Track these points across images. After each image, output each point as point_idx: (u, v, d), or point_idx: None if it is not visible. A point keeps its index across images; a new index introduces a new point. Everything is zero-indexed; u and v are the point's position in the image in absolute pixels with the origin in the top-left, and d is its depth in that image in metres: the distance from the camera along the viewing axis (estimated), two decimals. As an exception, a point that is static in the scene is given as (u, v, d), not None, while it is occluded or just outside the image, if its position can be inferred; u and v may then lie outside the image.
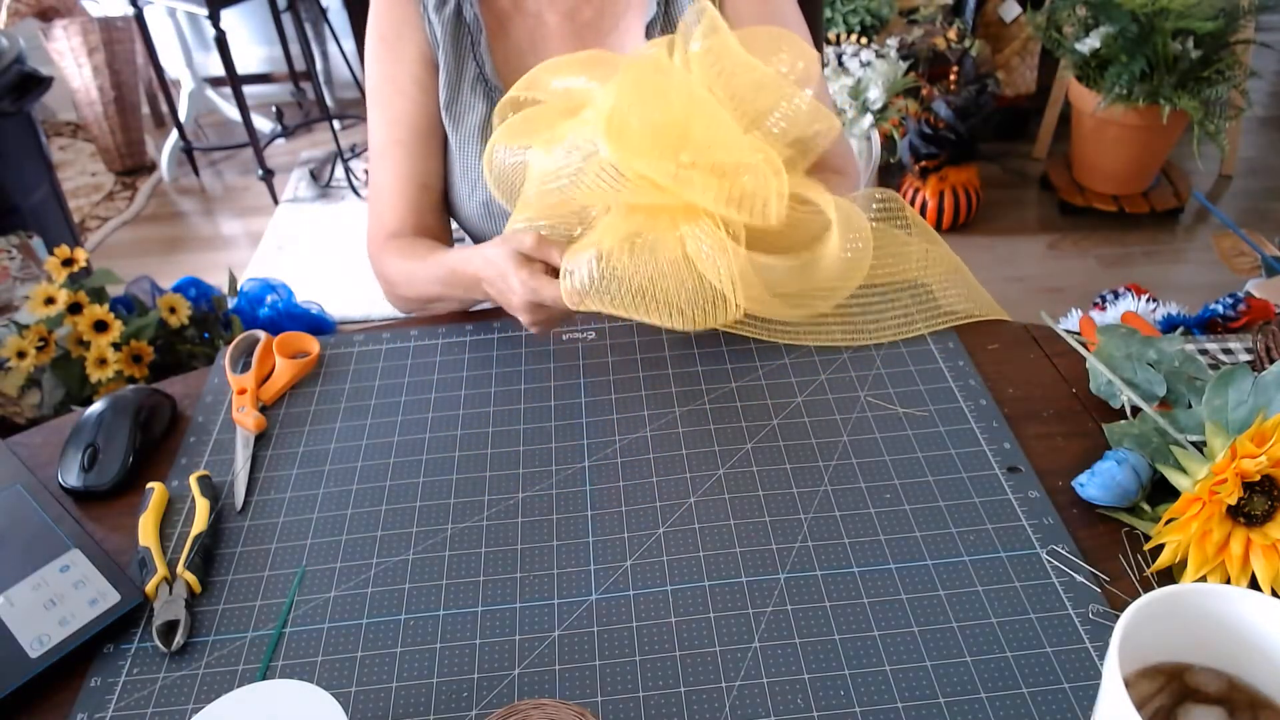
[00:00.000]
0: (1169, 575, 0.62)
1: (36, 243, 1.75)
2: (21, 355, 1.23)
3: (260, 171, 2.76)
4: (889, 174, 2.55)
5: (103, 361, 1.23)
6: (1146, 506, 0.65)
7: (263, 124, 2.91)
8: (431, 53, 0.95)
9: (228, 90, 2.70)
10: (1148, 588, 0.61)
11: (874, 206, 0.84)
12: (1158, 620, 0.46)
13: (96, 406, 0.78)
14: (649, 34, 0.93)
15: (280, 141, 3.04)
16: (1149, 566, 0.62)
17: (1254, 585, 0.59)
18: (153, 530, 0.69)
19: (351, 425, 0.78)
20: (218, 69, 2.72)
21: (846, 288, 0.82)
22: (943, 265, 0.86)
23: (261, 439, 0.78)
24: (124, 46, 2.86)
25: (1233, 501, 0.58)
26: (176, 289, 1.43)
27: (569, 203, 0.76)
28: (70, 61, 2.80)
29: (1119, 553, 0.64)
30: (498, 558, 0.66)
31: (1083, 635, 0.58)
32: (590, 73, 0.79)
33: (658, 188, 0.70)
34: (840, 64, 2.37)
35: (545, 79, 0.81)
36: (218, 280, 1.57)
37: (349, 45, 2.97)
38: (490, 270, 0.78)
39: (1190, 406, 0.70)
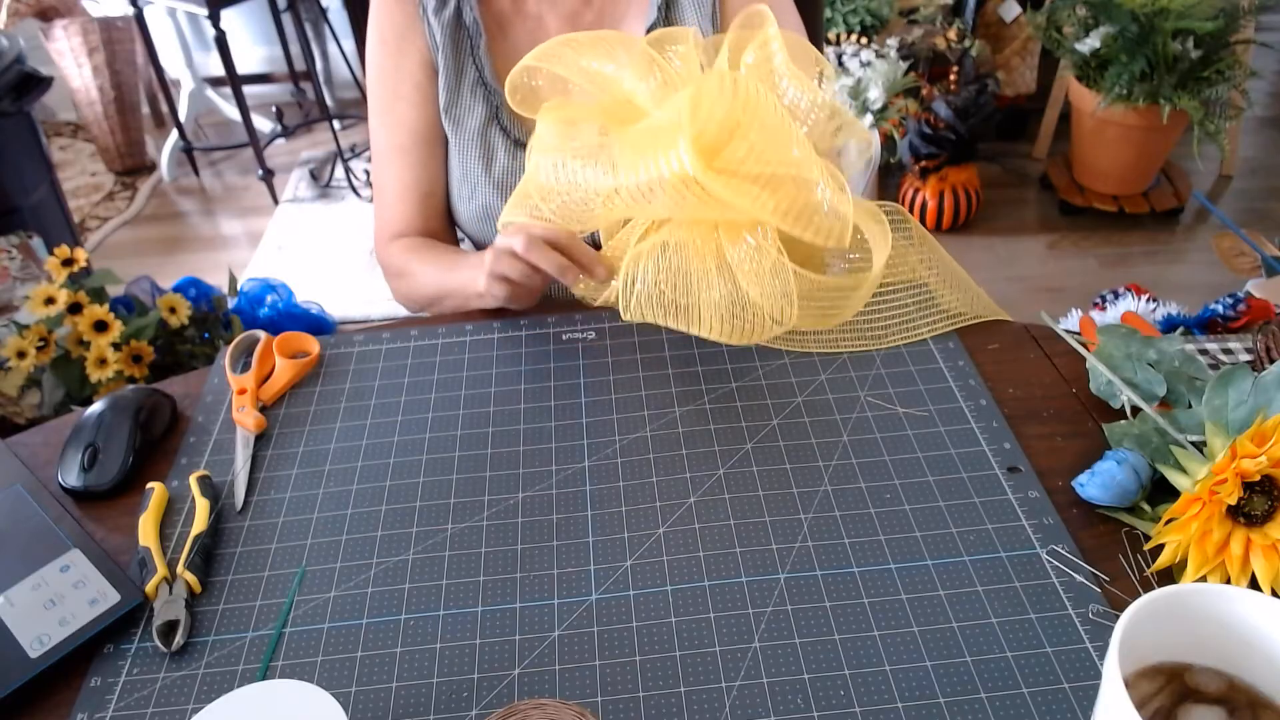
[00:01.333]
0: (1169, 575, 0.62)
1: (36, 243, 1.75)
2: (21, 355, 1.23)
3: (260, 171, 2.76)
4: (889, 174, 2.55)
5: (103, 361, 1.23)
6: (1146, 506, 0.65)
7: (263, 124, 2.91)
8: (431, 56, 0.95)
9: (228, 90, 2.70)
10: (1148, 588, 0.61)
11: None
12: (1158, 620, 0.46)
13: (96, 406, 0.78)
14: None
15: (280, 141, 3.04)
16: (1149, 566, 0.62)
17: (1254, 585, 0.59)
18: (153, 530, 0.69)
19: (351, 425, 0.78)
20: (218, 69, 2.72)
21: (867, 295, 0.81)
22: (944, 275, 0.85)
23: (261, 439, 0.78)
24: (124, 46, 2.86)
25: (1233, 501, 0.58)
26: (176, 289, 1.43)
27: (577, 212, 0.75)
28: (70, 61, 2.80)
29: (1119, 553, 0.64)
30: (498, 558, 0.66)
31: (1083, 635, 0.58)
32: (614, 56, 0.78)
33: (726, 204, 0.69)
34: (840, 64, 2.36)
35: (569, 56, 0.80)
36: (218, 280, 1.57)
37: (349, 45, 2.97)
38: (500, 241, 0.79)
39: (1190, 406, 0.70)
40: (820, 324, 0.79)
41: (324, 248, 2.60)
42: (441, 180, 1.00)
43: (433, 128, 0.97)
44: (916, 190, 2.45)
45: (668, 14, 0.94)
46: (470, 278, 0.87)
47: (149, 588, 0.64)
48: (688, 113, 0.68)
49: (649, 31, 0.93)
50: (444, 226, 1.02)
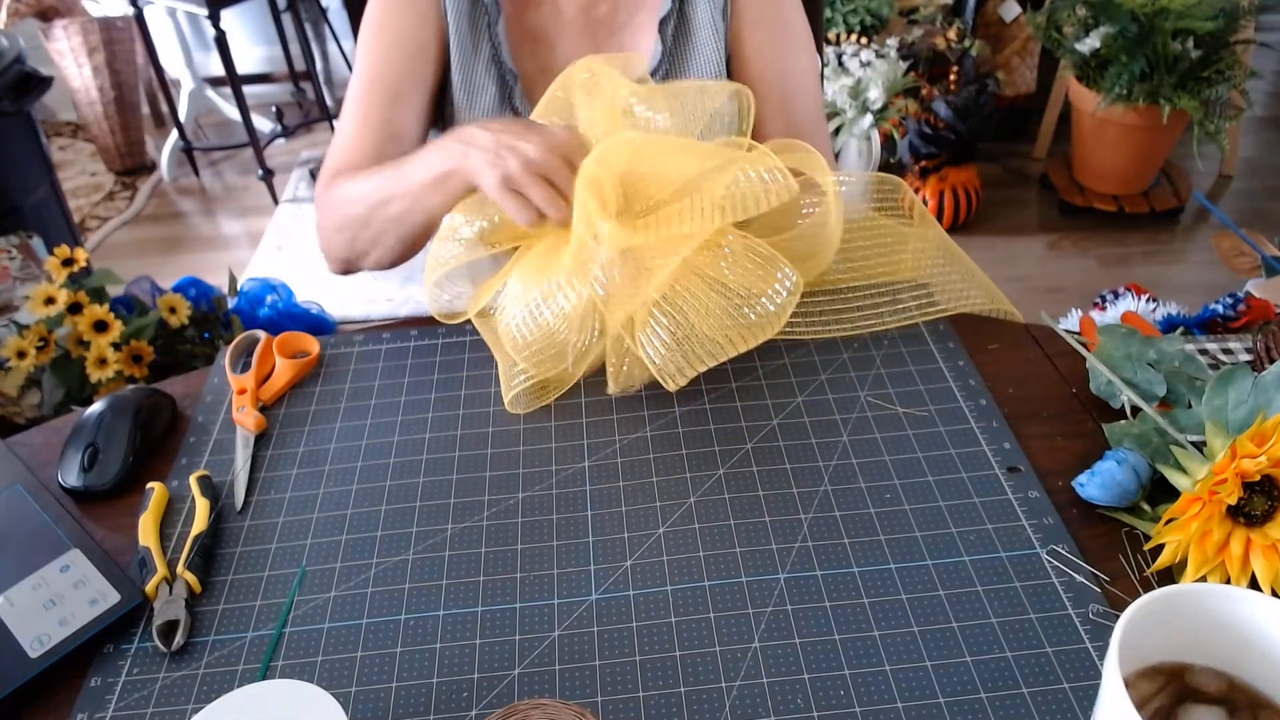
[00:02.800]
0: (1169, 575, 0.62)
1: (36, 243, 1.74)
2: (21, 355, 1.23)
3: (260, 171, 2.76)
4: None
5: (103, 361, 1.23)
6: (1146, 506, 0.65)
7: (263, 124, 2.91)
8: (442, 26, 0.93)
9: (228, 90, 2.70)
10: (1148, 588, 0.61)
11: (875, 194, 0.84)
12: (1158, 620, 0.46)
13: (96, 406, 0.78)
14: (662, 30, 0.93)
15: (280, 141, 3.04)
16: (1149, 566, 0.62)
17: (1254, 585, 0.59)
18: (153, 530, 0.69)
19: (351, 425, 0.78)
20: (218, 69, 2.72)
21: (822, 255, 0.80)
22: (943, 254, 0.85)
23: (261, 439, 0.78)
24: (124, 46, 2.86)
25: (1233, 501, 0.58)
26: (176, 289, 1.43)
27: (552, 353, 0.73)
28: (70, 61, 2.80)
29: (1119, 553, 0.64)
30: (498, 558, 0.66)
31: (1083, 635, 0.58)
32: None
33: (673, 241, 0.68)
34: (840, 64, 2.37)
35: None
36: (218, 280, 1.57)
37: (349, 45, 2.97)
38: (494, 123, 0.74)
39: (1190, 406, 0.70)
40: (814, 273, 0.78)
41: (324, 248, 2.60)
42: (414, 131, 0.95)
43: (421, 81, 0.93)
44: (916, 190, 2.45)
45: (682, 7, 0.94)
46: (427, 168, 0.79)
47: (149, 588, 0.64)
48: (592, 201, 0.68)
49: (662, 24, 0.93)
50: None
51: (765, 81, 0.96)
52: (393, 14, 0.93)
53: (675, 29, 0.94)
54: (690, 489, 0.70)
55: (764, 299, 0.70)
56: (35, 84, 1.95)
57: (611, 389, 0.75)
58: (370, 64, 0.93)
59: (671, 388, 0.70)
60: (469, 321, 0.88)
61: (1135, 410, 0.72)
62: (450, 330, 0.87)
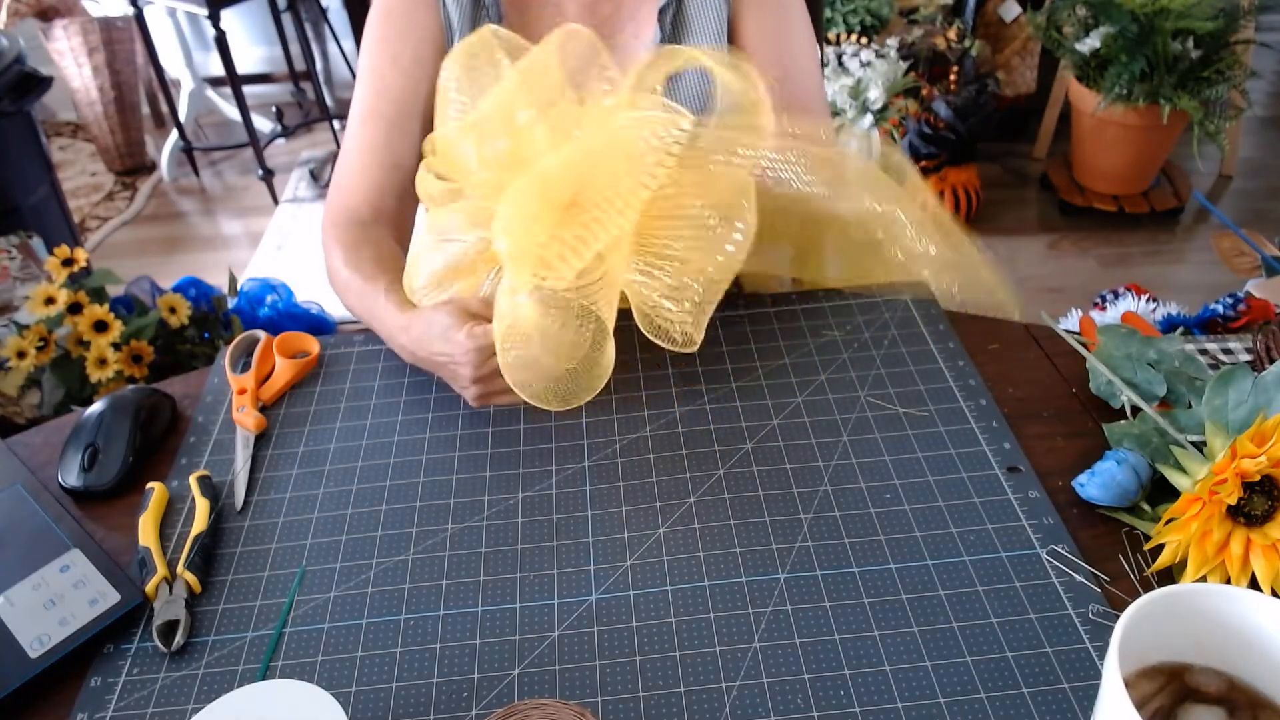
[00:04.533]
0: (1169, 575, 0.62)
1: (36, 243, 1.75)
2: (21, 355, 1.23)
3: (260, 171, 2.76)
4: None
5: (103, 361, 1.23)
6: (1146, 506, 0.65)
7: (263, 124, 2.91)
8: (443, 37, 0.93)
9: (228, 90, 2.70)
10: (1148, 588, 0.61)
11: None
12: (1158, 620, 0.46)
13: (96, 406, 0.78)
14: (661, 19, 0.93)
15: (280, 141, 3.04)
16: (1149, 566, 0.62)
17: (1254, 585, 0.59)
18: (153, 530, 0.69)
19: (351, 425, 0.78)
20: (218, 69, 2.72)
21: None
22: (938, 226, 0.83)
23: (261, 439, 0.78)
24: (124, 46, 2.86)
25: (1233, 501, 0.58)
26: (176, 289, 1.44)
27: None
28: (70, 61, 2.80)
29: (1119, 553, 0.64)
30: (498, 558, 0.66)
31: (1083, 635, 0.58)
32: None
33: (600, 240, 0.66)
34: (840, 64, 2.37)
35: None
36: (218, 280, 1.57)
37: (349, 45, 2.97)
38: (428, 329, 0.74)
39: (1190, 406, 0.70)
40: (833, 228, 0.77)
41: (324, 248, 2.60)
42: (414, 159, 0.94)
43: (422, 105, 0.94)
44: (916, 190, 2.45)
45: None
46: (381, 333, 0.82)
47: (149, 588, 0.64)
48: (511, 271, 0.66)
49: (661, 11, 0.93)
50: (401, 209, 0.96)
51: (764, 64, 0.96)
52: (393, 36, 0.93)
53: (674, 16, 0.94)
54: (690, 489, 0.70)
55: (734, 232, 0.68)
56: (35, 84, 1.95)
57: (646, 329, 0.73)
58: (370, 92, 0.94)
59: (694, 346, 0.69)
60: None
61: (1135, 410, 0.72)
62: (450, 330, 0.87)
